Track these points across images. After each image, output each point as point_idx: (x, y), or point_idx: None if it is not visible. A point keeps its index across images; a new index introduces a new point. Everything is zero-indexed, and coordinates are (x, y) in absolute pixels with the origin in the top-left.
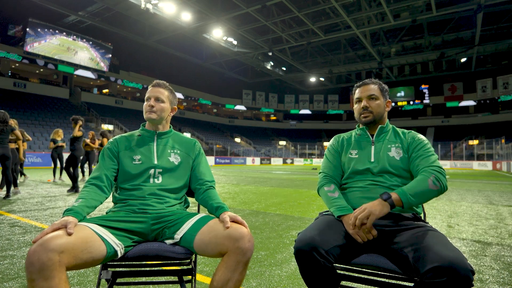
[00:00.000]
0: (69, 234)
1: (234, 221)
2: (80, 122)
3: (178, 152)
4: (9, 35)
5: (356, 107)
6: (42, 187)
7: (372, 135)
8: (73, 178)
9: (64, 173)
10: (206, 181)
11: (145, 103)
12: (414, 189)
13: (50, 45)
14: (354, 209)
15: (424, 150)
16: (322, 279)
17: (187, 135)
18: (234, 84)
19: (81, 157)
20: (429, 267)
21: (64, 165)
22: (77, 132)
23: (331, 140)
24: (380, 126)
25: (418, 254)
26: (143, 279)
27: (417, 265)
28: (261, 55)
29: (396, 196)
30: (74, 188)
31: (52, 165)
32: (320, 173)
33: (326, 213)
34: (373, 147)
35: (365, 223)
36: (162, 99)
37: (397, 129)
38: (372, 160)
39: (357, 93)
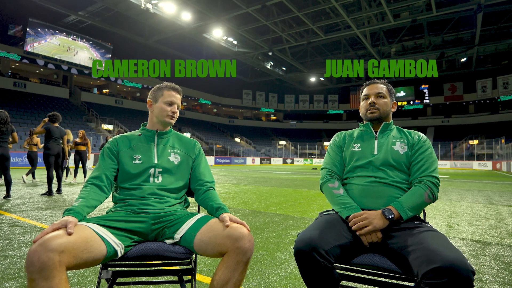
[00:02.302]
0: (69, 234)
1: (233, 221)
2: (45, 120)
3: (178, 152)
4: (9, 35)
5: (363, 104)
6: (42, 187)
7: (376, 132)
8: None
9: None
10: (206, 182)
11: (165, 105)
12: (412, 204)
13: (50, 45)
14: None
15: (426, 154)
16: (322, 279)
17: (187, 135)
18: (234, 84)
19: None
20: (430, 268)
21: (80, 165)
22: (38, 129)
23: (334, 137)
24: (384, 122)
25: (418, 254)
26: (143, 279)
27: (418, 265)
28: (261, 55)
29: (397, 214)
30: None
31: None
32: (322, 168)
33: (326, 213)
34: (376, 141)
35: (361, 231)
36: (179, 105)
37: (401, 128)
38: (375, 152)
39: (365, 90)
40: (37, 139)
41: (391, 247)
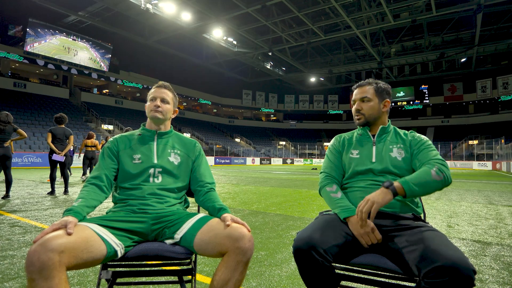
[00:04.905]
0: (69, 234)
1: (234, 222)
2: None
3: (178, 152)
4: (9, 35)
5: (352, 109)
6: (42, 187)
7: (374, 135)
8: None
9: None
10: (207, 183)
11: (149, 103)
12: (417, 179)
13: (50, 45)
14: None
15: (425, 145)
16: (320, 278)
17: (187, 135)
18: (234, 84)
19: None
20: (432, 267)
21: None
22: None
23: (332, 140)
24: (381, 126)
25: (419, 254)
26: (143, 279)
27: (419, 265)
28: (261, 55)
29: (399, 184)
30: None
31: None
32: (321, 173)
33: (327, 212)
34: (374, 148)
35: (363, 208)
36: (167, 100)
37: (398, 130)
38: (374, 160)
39: (353, 95)
40: (95, 141)
41: (392, 247)
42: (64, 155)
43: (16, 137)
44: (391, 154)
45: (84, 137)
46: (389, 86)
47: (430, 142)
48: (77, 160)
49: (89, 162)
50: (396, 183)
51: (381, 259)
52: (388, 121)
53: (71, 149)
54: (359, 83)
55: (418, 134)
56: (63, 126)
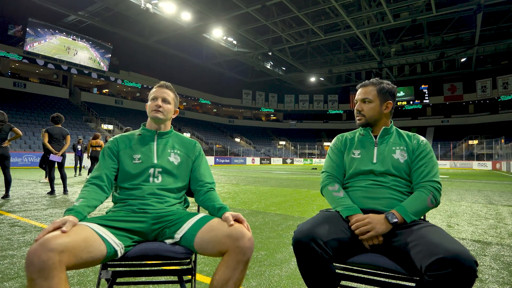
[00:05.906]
0: (63, 232)
1: (236, 219)
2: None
3: (178, 152)
4: (9, 35)
5: (354, 108)
6: (42, 187)
7: (376, 136)
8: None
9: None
10: (207, 182)
11: (150, 102)
12: (415, 208)
13: (50, 45)
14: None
15: (427, 159)
16: (319, 272)
17: (187, 135)
18: (234, 84)
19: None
20: (434, 259)
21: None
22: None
23: (334, 139)
24: (384, 127)
25: (420, 248)
26: (143, 279)
27: (420, 259)
28: (261, 55)
29: (401, 218)
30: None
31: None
32: (323, 172)
33: (328, 210)
34: (376, 148)
35: (363, 235)
36: (168, 101)
37: (401, 131)
38: (375, 161)
39: (356, 94)
40: (100, 142)
41: (393, 245)
42: (62, 155)
43: (13, 137)
44: (393, 155)
45: (82, 137)
46: (394, 87)
47: (432, 152)
48: (87, 161)
49: (91, 161)
50: (399, 218)
51: (381, 258)
52: (391, 122)
53: (80, 149)
54: (364, 82)
55: (421, 139)
56: (60, 125)
